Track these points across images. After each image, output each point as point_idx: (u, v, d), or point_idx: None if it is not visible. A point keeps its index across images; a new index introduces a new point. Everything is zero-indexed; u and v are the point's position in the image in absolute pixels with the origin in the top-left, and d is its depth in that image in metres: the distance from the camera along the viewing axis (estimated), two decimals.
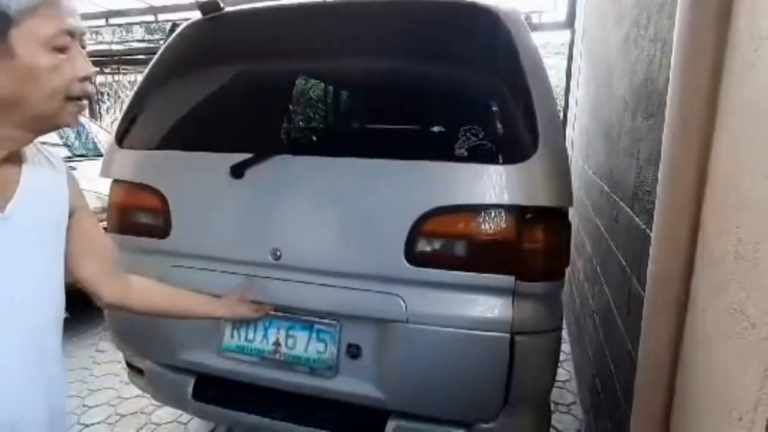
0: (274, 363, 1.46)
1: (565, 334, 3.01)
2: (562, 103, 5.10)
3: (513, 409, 1.36)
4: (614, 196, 1.90)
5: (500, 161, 1.26)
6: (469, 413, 1.39)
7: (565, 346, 2.97)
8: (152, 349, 1.65)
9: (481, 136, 1.29)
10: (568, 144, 4.22)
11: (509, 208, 1.26)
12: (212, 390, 1.59)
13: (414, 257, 1.31)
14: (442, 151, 1.34)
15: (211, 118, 1.66)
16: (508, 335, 1.27)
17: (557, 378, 1.63)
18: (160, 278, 1.30)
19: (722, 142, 0.88)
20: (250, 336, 1.48)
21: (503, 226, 1.27)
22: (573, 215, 3.17)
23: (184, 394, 1.59)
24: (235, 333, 1.50)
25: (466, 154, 1.29)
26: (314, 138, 1.61)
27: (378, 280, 1.35)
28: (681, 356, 1.00)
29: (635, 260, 1.44)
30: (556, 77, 6.90)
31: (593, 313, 2.22)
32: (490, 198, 1.25)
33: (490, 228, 1.27)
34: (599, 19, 2.75)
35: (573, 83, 4.55)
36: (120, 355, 1.92)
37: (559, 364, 2.26)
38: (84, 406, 2.43)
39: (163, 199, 1.52)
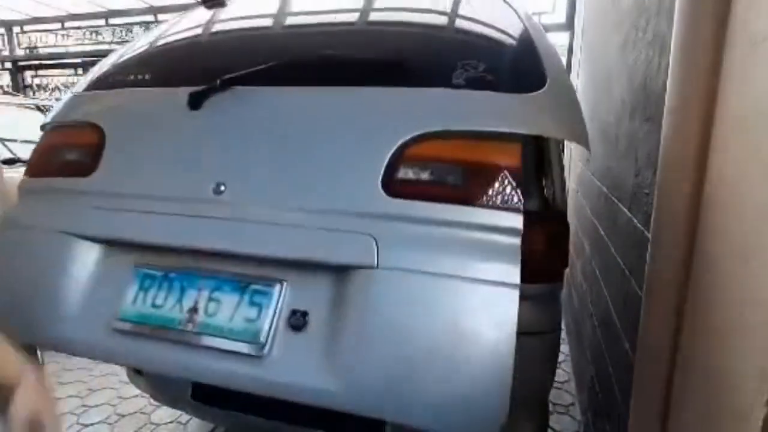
0: (182, 340, 1.09)
1: (563, 334, 3.02)
2: None
3: (511, 411, 1.36)
4: (613, 198, 1.90)
5: (506, 90, 1.15)
6: (470, 419, 0.95)
7: (564, 347, 2.98)
8: (13, 319, 1.25)
9: (482, 66, 1.17)
10: (565, 149, 4.23)
11: (516, 136, 1.09)
12: (212, 390, 1.59)
13: (393, 187, 1.06)
14: (438, 77, 1.20)
15: (166, 55, 1.57)
16: (516, 290, 0.97)
17: (556, 379, 1.64)
18: (77, 224, 1.21)
19: (720, 145, 0.89)
20: (160, 300, 1.14)
21: (509, 153, 1.07)
22: (571, 216, 3.18)
23: (184, 394, 1.59)
24: (141, 295, 1.16)
25: (465, 82, 1.16)
26: (284, 68, 1.36)
27: (344, 216, 1.07)
28: (679, 357, 1.01)
29: (633, 261, 1.45)
30: None
31: (591, 314, 2.22)
32: (495, 125, 1.09)
33: (493, 154, 1.08)
34: (598, 21, 2.76)
35: (573, 80, 4.56)
36: None
37: (558, 365, 2.27)
38: (83, 406, 2.43)
39: (101, 134, 1.35)
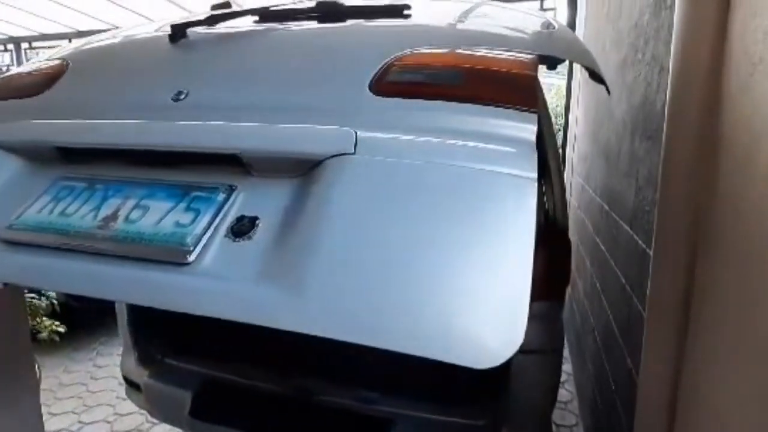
0: (88, 248, 0.88)
1: (566, 353, 2.99)
2: (562, 122, 5.14)
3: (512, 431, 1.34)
4: (614, 215, 1.91)
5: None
6: (475, 340, 0.68)
7: (567, 366, 2.94)
8: None
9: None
10: (567, 165, 4.25)
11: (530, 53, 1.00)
12: (210, 407, 1.57)
13: (383, 88, 0.92)
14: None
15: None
16: (534, 184, 0.76)
17: (559, 399, 1.62)
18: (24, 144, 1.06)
19: (719, 163, 0.90)
20: (72, 209, 0.93)
21: (522, 61, 0.95)
22: (573, 234, 3.18)
23: (182, 411, 1.58)
24: (50, 206, 0.95)
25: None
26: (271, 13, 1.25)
27: (320, 114, 0.91)
28: (682, 376, 1.00)
29: (635, 279, 1.44)
30: (555, 97, 6.97)
31: (594, 333, 2.21)
32: (509, 46, 1.01)
33: (505, 61, 0.97)
34: (597, 40, 2.80)
35: (573, 101, 4.60)
36: (117, 371, 1.91)
37: (561, 385, 2.24)
38: (79, 422, 2.40)
39: (65, 65, 1.24)
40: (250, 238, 0.82)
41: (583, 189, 3.13)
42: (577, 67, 4.42)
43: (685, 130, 0.98)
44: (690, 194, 0.97)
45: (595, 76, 1.28)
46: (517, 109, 0.84)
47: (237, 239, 0.83)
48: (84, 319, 3.29)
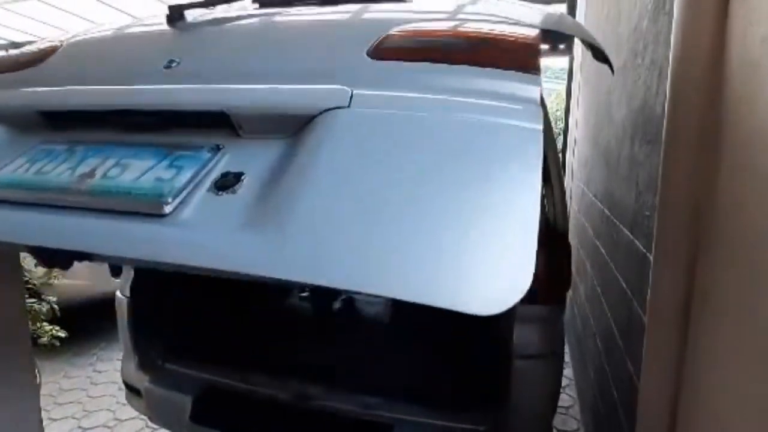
0: (63, 202, 0.84)
1: (567, 358, 2.98)
2: (562, 125, 5.15)
3: None
4: (614, 220, 1.91)
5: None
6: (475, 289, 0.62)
7: (568, 371, 2.93)
8: None
9: None
10: (567, 169, 4.25)
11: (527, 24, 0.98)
12: (211, 413, 1.57)
13: (382, 53, 0.89)
14: None
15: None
16: (539, 128, 0.73)
17: (560, 404, 1.61)
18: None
19: (719, 168, 0.90)
20: (49, 168, 0.90)
21: (524, 34, 0.93)
22: (573, 238, 3.17)
23: (182, 416, 1.57)
24: (26, 166, 0.92)
25: None
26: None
27: (313, 78, 0.88)
28: (683, 380, 1.00)
29: (636, 283, 1.44)
30: (555, 102, 6.99)
31: (595, 337, 2.20)
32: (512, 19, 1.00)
33: (507, 30, 0.95)
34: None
35: (573, 103, 4.60)
36: (117, 376, 1.91)
37: (562, 389, 2.23)
38: (79, 427, 2.39)
39: (59, 44, 1.23)
40: (234, 192, 0.78)
41: (584, 193, 3.13)
42: (576, 67, 4.43)
43: (684, 134, 0.98)
44: (690, 198, 0.97)
45: (599, 55, 1.27)
46: (521, 71, 0.82)
47: (220, 193, 0.79)
48: (83, 324, 3.29)
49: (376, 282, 0.62)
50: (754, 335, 0.72)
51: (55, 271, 3.00)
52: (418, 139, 0.73)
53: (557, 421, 2.40)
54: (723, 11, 0.89)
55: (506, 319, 1.34)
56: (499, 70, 0.83)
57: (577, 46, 4.48)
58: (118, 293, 1.82)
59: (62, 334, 2.81)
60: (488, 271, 0.62)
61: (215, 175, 0.81)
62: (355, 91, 0.80)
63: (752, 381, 0.72)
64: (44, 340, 2.78)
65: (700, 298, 0.95)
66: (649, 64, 1.44)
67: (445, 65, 0.84)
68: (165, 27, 1.16)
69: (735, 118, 0.84)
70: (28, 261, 2.90)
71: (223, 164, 0.83)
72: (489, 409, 1.44)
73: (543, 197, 1.31)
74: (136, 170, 0.84)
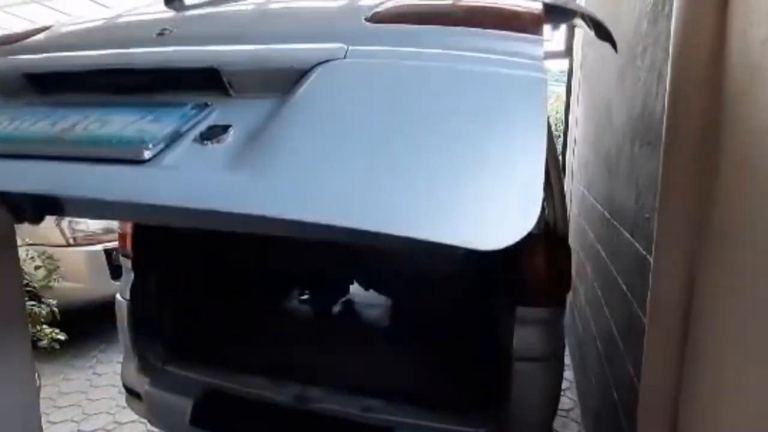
0: (45, 150, 0.82)
1: (567, 360, 2.97)
2: (562, 128, 5.16)
3: None
4: (615, 222, 1.91)
5: None
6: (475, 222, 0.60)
7: (569, 374, 2.93)
8: None
9: None
10: (567, 171, 4.25)
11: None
12: (211, 416, 1.56)
13: (382, 18, 0.88)
14: None
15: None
16: (543, 77, 0.71)
17: (561, 407, 1.61)
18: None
19: (719, 169, 0.90)
20: (29, 123, 0.88)
21: (526, 3, 0.92)
22: (573, 241, 3.17)
23: (182, 419, 1.57)
24: (7, 122, 0.90)
25: None
26: None
27: (311, 38, 0.85)
28: (683, 383, 0.99)
29: (636, 286, 1.44)
30: (556, 104, 7.00)
31: (595, 340, 2.20)
32: None
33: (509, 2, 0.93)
34: (597, 47, 2.82)
35: (573, 99, 4.60)
36: (117, 379, 1.90)
37: (562, 392, 2.23)
38: (79, 431, 2.38)
39: (53, 24, 1.25)
40: (219, 142, 0.75)
41: (584, 196, 3.13)
42: (576, 65, 4.44)
43: (684, 136, 0.98)
44: (690, 200, 0.97)
45: (601, 33, 1.24)
46: (524, 32, 0.80)
47: (206, 142, 0.76)
48: (84, 327, 3.28)
49: (381, 219, 0.58)
50: (754, 337, 0.72)
51: (56, 274, 3.00)
52: (419, 86, 0.70)
53: (558, 424, 2.39)
54: (722, 12, 0.89)
55: (506, 321, 1.34)
56: (503, 32, 0.81)
57: (577, 47, 4.49)
58: (118, 296, 1.82)
59: (62, 336, 2.80)
60: (495, 207, 0.59)
61: (201, 128, 0.78)
62: (351, 48, 0.77)
63: (752, 383, 0.72)
64: (44, 342, 2.77)
65: (700, 300, 0.95)
66: (649, 65, 1.45)
67: (446, 28, 0.82)
68: (163, 8, 1.15)
69: (735, 119, 0.84)
70: (28, 264, 2.91)
71: (211, 120, 0.80)
72: (489, 411, 1.44)
73: (543, 198, 1.31)
74: (117, 124, 0.81)
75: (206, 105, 0.83)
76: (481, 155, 0.62)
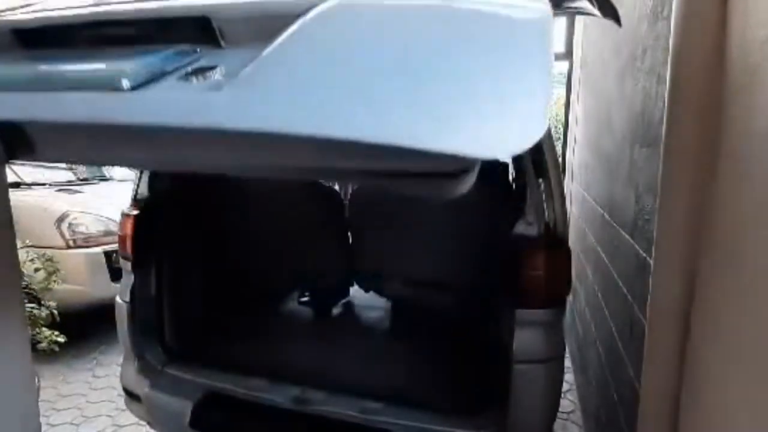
0: (25, 86, 0.85)
1: (568, 363, 2.97)
2: (562, 129, 5.16)
3: None
4: (614, 224, 1.90)
5: None
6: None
7: (569, 376, 2.92)
8: None
9: None
10: (567, 171, 4.25)
11: None
12: (210, 418, 1.56)
13: None
14: None
15: None
16: (550, 15, 0.70)
17: (561, 409, 1.60)
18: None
19: (718, 169, 0.90)
20: (8, 68, 0.91)
21: None
22: (573, 243, 3.17)
23: (182, 422, 1.57)
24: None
25: None
26: None
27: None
28: (684, 385, 0.99)
29: (636, 288, 1.44)
30: (556, 107, 7.00)
31: (596, 342, 2.20)
32: None
33: None
34: (597, 49, 2.82)
35: (573, 96, 4.60)
36: (116, 381, 1.90)
37: (563, 395, 2.22)
38: None
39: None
40: (205, 78, 0.74)
41: (584, 198, 3.13)
42: (576, 66, 4.44)
43: (683, 137, 0.98)
44: (690, 202, 0.97)
45: (606, 8, 1.20)
46: None
47: (190, 78, 0.74)
48: (82, 329, 3.28)
49: (392, 131, 0.57)
50: (753, 339, 0.72)
51: (55, 276, 3.00)
52: (424, 21, 0.68)
53: (558, 426, 2.39)
54: (722, 14, 0.89)
55: (506, 323, 1.34)
56: None
57: (577, 48, 4.50)
58: (117, 298, 1.81)
59: (61, 339, 2.80)
60: (502, 118, 0.58)
61: (187, 68, 0.76)
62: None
63: (752, 384, 0.71)
64: (43, 345, 2.77)
65: (700, 302, 0.95)
66: (649, 67, 1.45)
67: None
68: None
69: (734, 121, 0.84)
70: (27, 266, 2.91)
71: (198, 64, 0.78)
72: (488, 414, 1.44)
73: (541, 202, 1.31)
74: (102, 62, 0.82)
75: (194, 51, 0.82)
76: (486, 74, 0.61)
